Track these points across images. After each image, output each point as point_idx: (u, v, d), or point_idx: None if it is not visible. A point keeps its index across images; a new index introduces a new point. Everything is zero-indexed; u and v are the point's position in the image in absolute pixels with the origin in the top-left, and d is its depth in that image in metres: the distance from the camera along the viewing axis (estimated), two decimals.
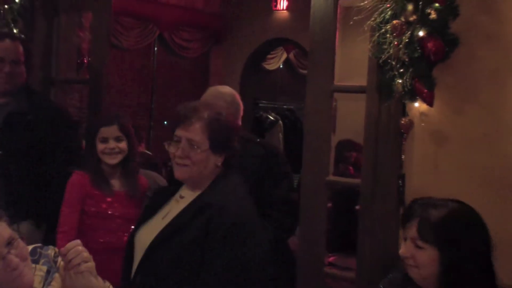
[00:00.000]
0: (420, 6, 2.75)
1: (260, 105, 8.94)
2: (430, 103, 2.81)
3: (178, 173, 2.60)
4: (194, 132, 2.57)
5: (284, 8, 8.16)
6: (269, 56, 9.07)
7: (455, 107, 2.86)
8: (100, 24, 4.06)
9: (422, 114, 2.88)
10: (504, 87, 2.76)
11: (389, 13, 2.82)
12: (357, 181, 3.15)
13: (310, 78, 3.28)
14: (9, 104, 3.64)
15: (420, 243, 2.18)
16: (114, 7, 7.35)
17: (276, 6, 8.28)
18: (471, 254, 2.18)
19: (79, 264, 2.09)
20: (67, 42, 4.26)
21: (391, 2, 2.81)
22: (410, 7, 2.76)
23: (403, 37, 2.77)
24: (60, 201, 3.37)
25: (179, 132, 2.59)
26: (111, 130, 3.31)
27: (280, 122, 8.42)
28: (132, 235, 2.73)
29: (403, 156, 2.94)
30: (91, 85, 4.10)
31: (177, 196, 2.73)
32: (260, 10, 8.27)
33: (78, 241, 2.18)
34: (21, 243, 2.09)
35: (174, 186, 2.81)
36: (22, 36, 3.98)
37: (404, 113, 2.91)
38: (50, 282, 2.18)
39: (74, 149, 3.80)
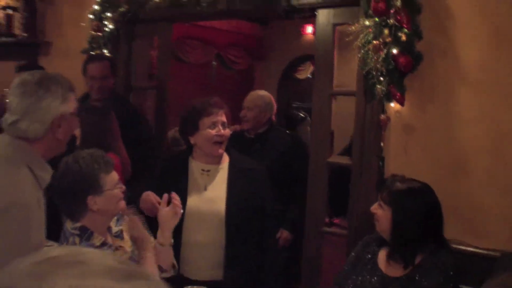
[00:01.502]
0: (393, 31, 2.70)
1: (293, 105, 8.93)
2: (401, 103, 2.78)
3: (221, 150, 2.60)
4: (224, 116, 2.62)
5: (311, 32, 8.16)
6: (299, 68, 9.00)
7: (420, 106, 2.82)
8: (164, 45, 4.07)
9: (396, 111, 2.85)
10: (454, 90, 2.72)
11: (370, 36, 2.76)
12: (349, 162, 3.12)
13: (316, 85, 3.23)
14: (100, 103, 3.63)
15: (382, 203, 2.26)
16: (183, 32, 7.51)
17: (304, 31, 8.29)
18: (412, 219, 2.20)
19: (134, 221, 2.23)
20: (142, 58, 4.26)
21: (372, 27, 2.76)
22: (386, 31, 2.71)
23: (381, 54, 2.71)
24: (140, 178, 3.26)
25: (213, 119, 2.58)
26: None
27: (308, 118, 8.40)
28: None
29: (382, 143, 2.91)
30: (157, 90, 4.09)
31: (198, 171, 2.63)
32: (292, 34, 8.23)
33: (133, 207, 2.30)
34: (122, 185, 2.20)
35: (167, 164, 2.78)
36: (110, 55, 4.02)
37: (383, 111, 2.87)
38: (121, 223, 2.28)
39: (147, 139, 3.74)
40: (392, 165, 2.88)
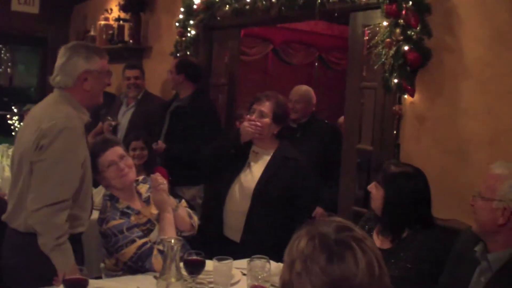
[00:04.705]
0: (403, 30, 2.82)
1: None
2: (412, 95, 2.90)
3: (250, 129, 2.85)
4: (264, 107, 2.86)
5: None
6: None
7: (430, 99, 2.90)
8: (233, 48, 4.42)
9: (409, 103, 2.96)
10: (459, 83, 2.78)
11: (386, 34, 2.89)
12: (372, 148, 3.22)
13: (348, 79, 3.41)
14: (181, 100, 4.11)
15: (377, 184, 2.40)
16: (287, 37, 7.84)
17: None
18: (402, 199, 2.31)
19: (157, 186, 2.49)
20: (218, 60, 4.61)
21: (388, 26, 2.90)
22: (398, 30, 2.84)
23: (391, 51, 2.84)
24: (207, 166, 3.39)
25: (255, 106, 2.89)
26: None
27: None
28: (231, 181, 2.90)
29: (394, 132, 3.03)
30: (228, 87, 4.43)
31: (251, 151, 2.92)
32: None
33: (158, 174, 2.56)
34: (129, 159, 2.47)
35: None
36: (193, 56, 4.41)
37: (399, 102, 3.00)
38: (151, 190, 2.55)
39: (217, 131, 3.96)
40: (405, 151, 2.99)
